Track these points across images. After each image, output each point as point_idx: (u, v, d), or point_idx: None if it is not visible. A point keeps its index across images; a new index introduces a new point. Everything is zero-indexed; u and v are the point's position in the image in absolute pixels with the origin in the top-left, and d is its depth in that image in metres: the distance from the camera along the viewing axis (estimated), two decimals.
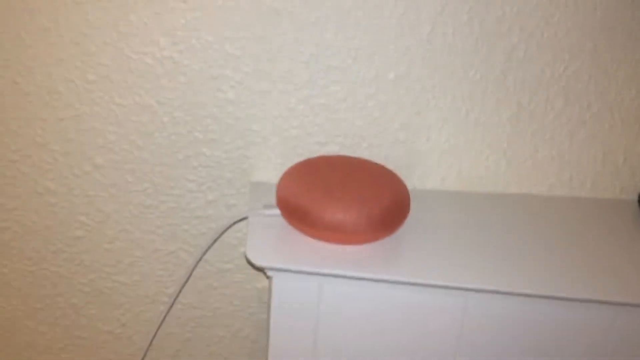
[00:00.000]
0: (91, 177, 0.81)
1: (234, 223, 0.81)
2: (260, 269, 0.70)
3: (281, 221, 0.73)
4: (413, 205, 0.75)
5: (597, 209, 0.82)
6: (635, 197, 0.85)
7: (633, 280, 0.68)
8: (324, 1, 0.73)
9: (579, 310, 0.67)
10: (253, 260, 0.66)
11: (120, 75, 0.76)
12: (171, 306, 0.88)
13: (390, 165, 0.82)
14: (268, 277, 0.69)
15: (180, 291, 0.87)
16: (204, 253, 0.83)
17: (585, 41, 0.76)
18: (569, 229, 0.77)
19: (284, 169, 0.81)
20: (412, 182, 0.83)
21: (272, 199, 0.76)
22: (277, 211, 0.72)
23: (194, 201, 0.83)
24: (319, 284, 0.68)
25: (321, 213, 0.67)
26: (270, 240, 0.70)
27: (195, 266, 0.85)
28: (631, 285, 0.67)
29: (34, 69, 0.75)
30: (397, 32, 0.75)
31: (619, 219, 0.80)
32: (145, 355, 0.89)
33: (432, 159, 0.82)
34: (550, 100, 0.79)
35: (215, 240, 0.83)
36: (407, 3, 0.73)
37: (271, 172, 0.82)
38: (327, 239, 0.69)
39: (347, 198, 0.68)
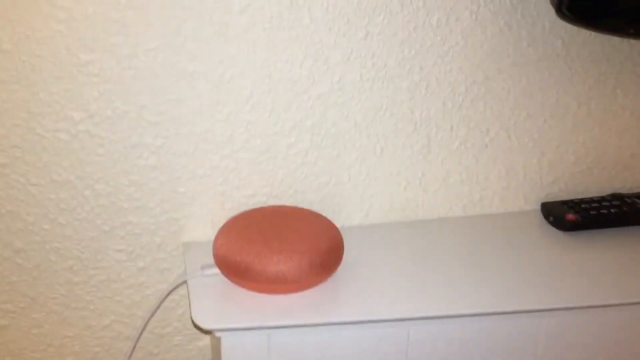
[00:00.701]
0: (12, 262, 0.77)
1: (175, 288, 0.80)
2: (207, 332, 0.70)
3: (221, 279, 0.73)
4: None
5: (507, 222, 0.89)
6: (538, 207, 0.93)
7: (554, 285, 0.74)
8: (236, 60, 0.75)
9: (510, 322, 0.73)
10: (201, 325, 0.66)
11: (34, 155, 0.74)
12: None
13: (316, 208, 0.85)
14: (215, 337, 0.69)
15: None
16: (147, 322, 0.82)
17: (477, 73, 0.83)
18: (487, 244, 0.83)
19: (214, 226, 0.82)
20: (339, 221, 0.86)
21: (207, 257, 0.77)
22: (216, 270, 0.72)
23: (124, 271, 0.82)
24: (268, 337, 0.69)
25: (263, 267, 0.68)
26: (214, 300, 0.70)
27: (139, 337, 0.83)
28: (552, 290, 0.73)
29: None
30: (309, 81, 0.78)
31: (527, 228, 0.87)
32: None
33: (354, 196, 0.85)
34: (454, 129, 0.86)
35: (157, 308, 0.82)
36: (316, 55, 0.77)
37: (202, 231, 0.82)
38: (270, 291, 0.70)
39: (286, 249, 0.69)
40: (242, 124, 0.78)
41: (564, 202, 0.90)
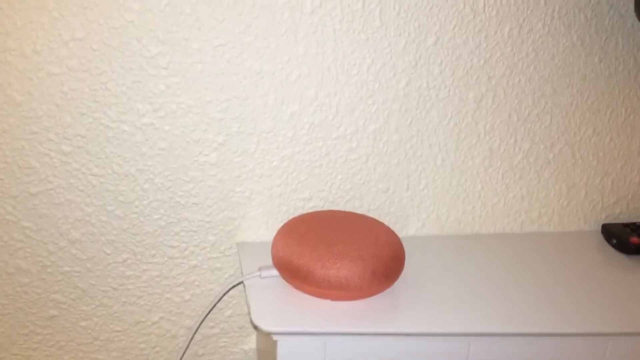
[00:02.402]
0: (66, 252, 0.77)
1: (231, 288, 0.79)
2: (267, 333, 0.68)
3: (279, 281, 0.72)
4: None
5: (566, 241, 0.87)
6: (597, 228, 0.90)
7: (620, 309, 0.72)
8: (304, 60, 0.74)
9: (574, 344, 0.70)
10: (261, 327, 0.65)
11: (98, 145, 0.73)
12: None
13: (372, 215, 0.83)
14: (267, 341, 0.68)
15: None
16: (201, 322, 0.80)
17: (546, 86, 0.81)
18: (547, 264, 0.81)
19: (269, 227, 0.80)
20: (395, 230, 0.84)
21: (262, 259, 0.75)
22: (275, 272, 0.71)
23: (176, 268, 0.81)
24: (324, 343, 0.68)
25: (325, 272, 0.67)
26: (273, 303, 0.68)
27: (193, 337, 0.81)
28: (618, 314, 0.71)
29: (2, 145, 0.71)
30: (375, 86, 0.77)
31: (588, 249, 0.84)
32: None
33: (412, 206, 0.84)
34: (518, 142, 0.83)
35: (212, 309, 0.81)
36: (384, 59, 0.76)
37: (256, 232, 0.81)
38: (330, 297, 0.68)
39: (349, 255, 0.68)
40: (304, 126, 0.77)
41: (625, 225, 0.88)
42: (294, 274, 0.68)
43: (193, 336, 0.81)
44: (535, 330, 0.68)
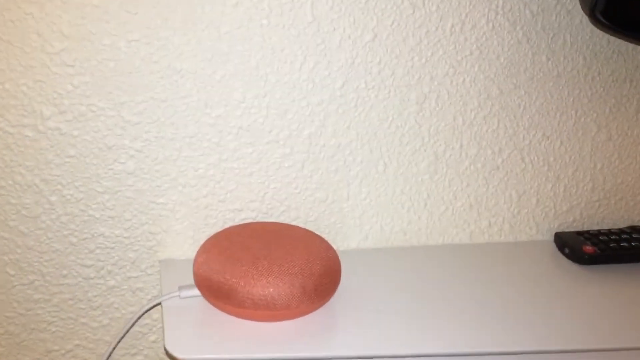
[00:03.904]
0: None
1: (147, 311, 0.71)
2: None
3: (201, 302, 0.64)
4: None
5: (518, 251, 0.82)
6: (550, 237, 0.85)
7: (573, 324, 0.66)
8: (228, 58, 0.67)
9: None
10: (174, 354, 0.57)
11: None
12: None
13: (310, 227, 0.76)
14: None
15: None
16: (113, 348, 0.72)
17: (492, 87, 0.76)
18: (496, 275, 0.75)
19: (196, 242, 0.73)
20: (335, 243, 0.78)
21: (187, 277, 0.68)
22: (196, 292, 0.64)
23: (92, 289, 0.73)
24: None
25: (249, 289, 0.60)
26: (191, 326, 0.61)
27: None
28: (571, 330, 0.65)
29: None
30: (308, 86, 0.71)
31: (540, 259, 0.79)
32: None
33: (353, 216, 0.77)
34: (464, 147, 0.78)
35: (126, 333, 0.73)
36: (317, 57, 0.70)
37: (182, 248, 0.73)
38: (256, 318, 0.61)
39: (276, 270, 0.61)
40: (232, 130, 0.70)
41: (579, 233, 0.83)
42: (215, 293, 0.61)
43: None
44: (481, 349, 0.62)
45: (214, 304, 0.62)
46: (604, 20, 0.61)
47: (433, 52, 0.73)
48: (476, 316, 0.66)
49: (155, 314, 0.75)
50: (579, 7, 0.76)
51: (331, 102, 0.72)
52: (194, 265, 0.64)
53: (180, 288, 0.64)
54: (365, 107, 0.73)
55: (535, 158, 0.81)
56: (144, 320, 0.75)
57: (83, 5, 0.62)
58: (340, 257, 0.71)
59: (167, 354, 0.58)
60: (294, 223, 0.76)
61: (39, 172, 0.67)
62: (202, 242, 0.73)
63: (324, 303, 0.64)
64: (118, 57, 0.65)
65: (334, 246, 0.77)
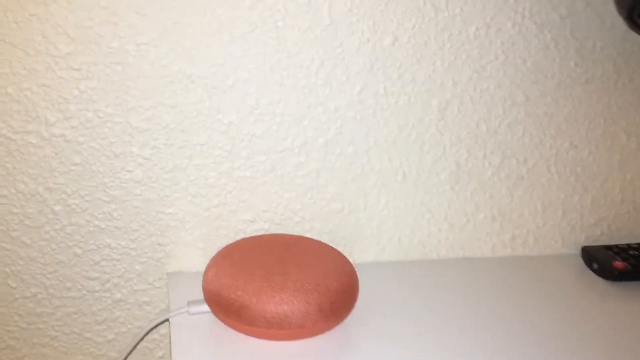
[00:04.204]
0: None
1: (154, 327, 0.68)
2: None
3: (210, 318, 0.61)
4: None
5: (543, 266, 0.78)
6: (576, 251, 0.81)
7: (602, 343, 0.62)
8: (241, 63, 0.64)
9: None
10: None
11: None
12: None
13: (325, 239, 0.73)
14: None
15: None
16: None
17: (517, 93, 0.73)
18: (517, 293, 0.71)
19: (206, 254, 0.70)
20: (352, 256, 0.74)
21: (196, 291, 0.65)
22: (206, 307, 0.60)
23: (97, 303, 0.70)
24: None
25: (262, 307, 0.56)
26: (200, 345, 0.58)
27: None
28: (603, 350, 0.61)
29: None
30: (325, 92, 0.67)
31: (567, 275, 0.75)
32: None
33: (370, 228, 0.74)
34: (487, 156, 0.74)
35: (133, 349, 0.69)
36: (335, 61, 0.66)
37: (191, 260, 0.70)
38: (269, 337, 0.58)
39: (290, 286, 0.57)
40: (244, 138, 0.67)
41: (607, 247, 0.79)
42: (226, 309, 0.57)
43: None
44: None
45: (224, 321, 0.59)
46: None
47: (456, 57, 0.70)
48: (498, 336, 0.62)
49: (162, 329, 0.72)
50: (609, 9, 0.72)
51: (349, 108, 0.69)
52: (203, 279, 0.61)
53: (189, 303, 0.61)
54: (384, 114, 0.70)
55: (562, 168, 0.77)
56: (152, 336, 0.72)
57: (90, 7, 0.59)
58: (356, 270, 0.68)
59: None
60: (308, 235, 0.72)
61: (43, 180, 0.64)
62: (212, 254, 0.70)
63: (340, 321, 0.61)
64: (126, 61, 0.62)
65: (350, 259, 0.74)
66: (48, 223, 0.65)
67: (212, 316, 0.61)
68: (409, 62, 0.69)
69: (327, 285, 0.58)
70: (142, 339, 0.70)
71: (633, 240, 0.83)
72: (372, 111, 0.69)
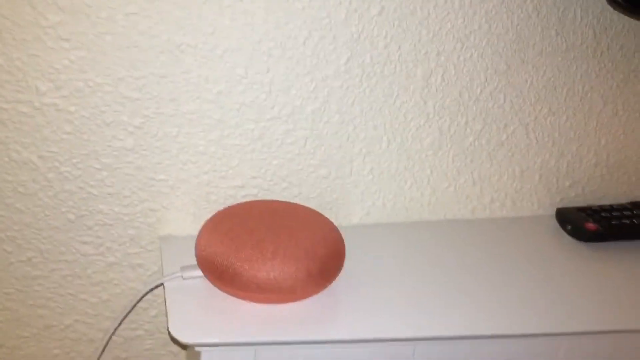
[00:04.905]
0: None
1: (149, 291, 0.71)
2: (188, 345, 0.60)
3: (203, 282, 0.64)
4: None
5: (519, 228, 0.81)
6: (551, 212, 0.85)
7: (577, 305, 0.67)
8: (230, 33, 0.65)
9: (524, 345, 0.65)
10: (180, 338, 0.57)
11: None
12: None
13: (312, 204, 0.75)
14: (193, 350, 0.60)
15: None
16: (117, 326, 0.72)
17: (500, 62, 0.75)
18: (496, 255, 0.75)
19: (196, 219, 0.72)
20: (337, 219, 0.77)
21: (187, 255, 0.67)
22: (199, 272, 0.63)
23: (91, 266, 0.72)
24: (254, 352, 0.60)
25: (254, 274, 0.59)
26: (194, 309, 0.61)
27: (109, 341, 0.73)
28: (574, 311, 0.66)
29: None
30: (312, 62, 0.69)
31: (542, 237, 0.79)
32: None
33: (355, 193, 0.76)
34: (469, 123, 0.77)
35: (130, 311, 0.72)
36: (322, 31, 0.67)
37: (182, 224, 0.72)
38: (261, 300, 0.61)
39: (280, 253, 0.60)
40: (233, 106, 0.68)
41: (580, 209, 0.83)
42: (219, 275, 0.60)
43: (109, 339, 0.73)
44: (481, 332, 0.62)
45: (217, 285, 0.62)
46: (624, 4, 0.59)
47: (441, 26, 0.71)
48: (477, 297, 0.66)
49: (155, 289, 0.75)
50: None
51: (336, 77, 0.70)
52: (196, 246, 0.63)
53: (183, 269, 0.63)
54: (370, 83, 0.71)
55: (540, 134, 0.80)
56: (145, 297, 0.75)
57: None
58: (342, 233, 0.71)
59: (172, 338, 0.57)
60: (296, 200, 0.75)
61: (35, 149, 0.65)
62: (202, 218, 0.72)
63: (328, 284, 0.64)
64: (115, 31, 0.62)
65: (336, 222, 0.76)
66: (41, 190, 0.67)
67: (204, 280, 0.63)
68: (395, 32, 0.70)
69: (315, 252, 0.61)
70: (138, 301, 0.72)
71: (605, 202, 0.86)
72: (358, 80, 0.71)
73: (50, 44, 0.61)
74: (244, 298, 0.61)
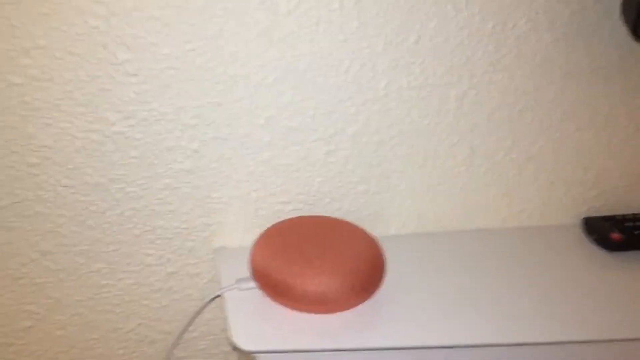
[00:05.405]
0: (38, 264, 0.75)
1: (210, 301, 0.78)
2: (248, 353, 0.67)
3: (257, 293, 0.70)
4: None
5: (547, 237, 0.86)
6: (578, 221, 0.90)
7: (602, 313, 0.72)
8: (279, 64, 0.71)
9: (554, 352, 0.70)
10: (243, 347, 0.64)
11: (66, 156, 0.70)
12: None
13: (352, 217, 0.81)
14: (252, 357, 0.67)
15: None
16: (183, 331, 0.79)
17: (528, 83, 0.79)
18: (524, 261, 0.80)
19: (246, 231, 0.79)
20: (375, 230, 0.83)
21: (240, 265, 0.74)
22: (253, 284, 0.70)
23: (153, 275, 0.79)
24: (305, 359, 0.67)
25: (305, 288, 0.65)
26: (252, 319, 0.67)
27: (176, 345, 0.80)
28: (600, 319, 0.71)
29: None
30: (353, 88, 0.74)
31: (568, 246, 0.84)
32: None
33: (392, 206, 0.82)
34: (500, 140, 0.82)
35: (193, 318, 0.79)
36: (363, 60, 0.73)
37: (234, 236, 0.79)
38: (310, 311, 0.68)
39: (327, 267, 0.67)
40: (281, 130, 0.75)
41: (605, 219, 0.87)
42: (274, 288, 0.67)
43: (176, 345, 0.80)
44: (507, 340, 0.67)
45: (270, 296, 0.68)
46: None
47: (474, 52, 0.76)
48: (507, 305, 0.72)
49: (206, 291, 0.82)
50: (615, 4, 0.78)
51: (375, 102, 0.76)
52: (251, 259, 0.70)
53: (239, 281, 0.70)
54: (406, 106, 0.77)
55: (567, 149, 0.85)
56: (197, 302, 0.82)
57: (145, 19, 0.66)
58: (380, 242, 0.77)
59: (233, 347, 0.64)
60: (337, 213, 0.81)
61: (105, 172, 0.72)
62: (252, 231, 0.79)
63: (370, 296, 0.70)
64: (177, 66, 0.69)
65: (374, 233, 0.82)
66: (110, 209, 0.74)
67: (257, 291, 0.70)
68: (430, 58, 0.75)
69: (358, 268, 0.67)
70: (202, 308, 0.80)
71: (629, 212, 0.91)
72: (395, 104, 0.76)
73: (119, 78, 0.68)
74: (293, 308, 0.68)
